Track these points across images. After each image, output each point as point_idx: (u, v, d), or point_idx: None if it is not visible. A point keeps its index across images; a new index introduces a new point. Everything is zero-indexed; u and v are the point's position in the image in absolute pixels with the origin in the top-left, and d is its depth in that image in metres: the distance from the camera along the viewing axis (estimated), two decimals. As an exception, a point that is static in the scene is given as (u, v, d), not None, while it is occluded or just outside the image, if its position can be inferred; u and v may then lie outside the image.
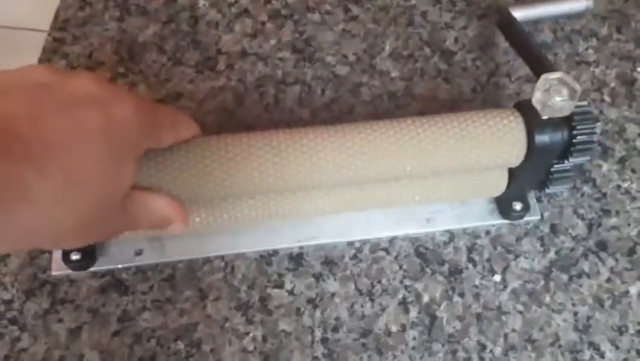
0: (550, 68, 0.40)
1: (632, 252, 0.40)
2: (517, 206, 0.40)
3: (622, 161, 0.44)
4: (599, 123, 0.35)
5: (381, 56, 0.49)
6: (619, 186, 0.43)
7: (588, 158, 0.36)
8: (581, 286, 0.39)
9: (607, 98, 0.47)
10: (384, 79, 0.48)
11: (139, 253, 0.38)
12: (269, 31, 0.51)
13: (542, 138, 0.35)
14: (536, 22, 0.51)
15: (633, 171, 0.43)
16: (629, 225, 0.41)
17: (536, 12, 0.49)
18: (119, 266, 0.38)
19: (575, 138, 0.35)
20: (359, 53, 0.49)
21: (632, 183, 0.43)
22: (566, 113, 0.34)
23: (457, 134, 0.35)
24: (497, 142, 0.35)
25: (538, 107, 0.34)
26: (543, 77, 0.34)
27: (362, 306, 0.38)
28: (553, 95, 0.33)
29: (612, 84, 0.48)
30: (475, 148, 0.35)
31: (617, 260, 0.40)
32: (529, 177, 0.39)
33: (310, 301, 0.38)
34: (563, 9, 0.50)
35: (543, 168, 0.38)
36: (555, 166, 0.37)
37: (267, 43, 0.50)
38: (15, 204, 0.23)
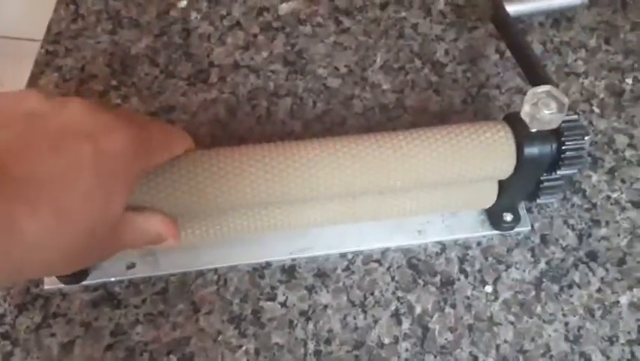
0: (537, 64, 0.41)
1: (622, 262, 0.40)
2: (508, 217, 0.40)
3: (611, 171, 0.44)
4: (588, 136, 0.36)
5: (372, 68, 0.50)
6: (609, 197, 0.43)
7: (577, 170, 0.37)
8: (571, 296, 0.39)
9: (596, 109, 0.48)
10: (375, 91, 0.48)
11: (131, 266, 0.38)
12: (261, 44, 0.51)
13: (531, 151, 0.35)
14: (531, 17, 0.52)
15: (623, 181, 0.44)
16: (618, 235, 0.41)
17: (531, 6, 0.50)
18: (112, 280, 0.38)
19: (564, 151, 0.35)
20: (350, 65, 0.50)
21: (621, 193, 0.43)
22: (554, 125, 0.35)
23: (448, 148, 0.35)
24: (487, 155, 0.36)
25: (527, 120, 0.35)
26: (531, 90, 0.34)
27: (355, 318, 0.38)
28: (542, 108, 0.34)
29: (601, 95, 0.48)
30: (465, 161, 0.35)
31: (607, 270, 0.40)
32: (519, 189, 0.39)
33: (303, 313, 0.38)
34: (559, 3, 0.51)
35: (533, 180, 0.38)
36: (544, 177, 0.38)
37: (259, 55, 0.50)
38: (4, 241, 0.23)
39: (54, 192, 0.25)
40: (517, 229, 0.41)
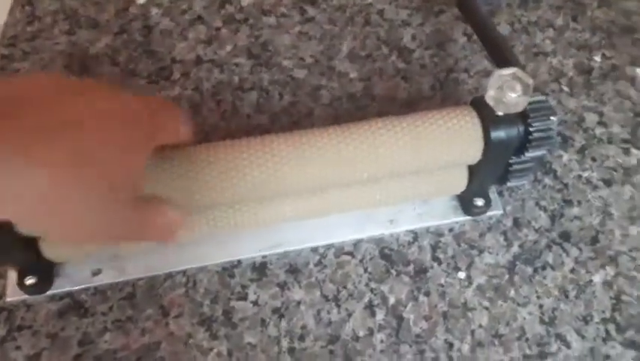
0: (503, 46, 0.41)
1: (594, 241, 0.41)
2: (479, 202, 0.40)
3: (582, 150, 0.45)
4: (555, 116, 0.36)
5: (339, 57, 0.49)
6: (580, 176, 0.43)
7: (545, 151, 0.37)
8: (545, 278, 0.39)
9: (565, 88, 0.48)
10: (342, 80, 0.48)
11: (97, 272, 0.38)
12: (224, 37, 0.51)
13: (498, 135, 0.35)
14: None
15: (593, 159, 0.44)
16: (591, 214, 0.42)
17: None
18: (78, 288, 0.38)
19: (531, 133, 0.35)
20: (316, 55, 0.49)
21: (592, 172, 0.44)
22: (520, 108, 0.35)
23: (414, 137, 0.35)
24: (454, 141, 0.35)
25: (492, 103, 0.35)
26: (496, 74, 0.34)
27: (328, 312, 0.38)
28: (507, 91, 0.34)
29: (570, 74, 0.49)
30: (433, 149, 0.35)
31: (580, 250, 0.40)
32: (489, 173, 0.39)
33: (275, 311, 0.38)
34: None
35: (502, 164, 0.38)
36: (514, 160, 0.38)
37: (223, 49, 0.50)
38: (27, 167, 0.23)
39: (76, 132, 0.25)
40: (489, 213, 0.41)
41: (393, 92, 0.47)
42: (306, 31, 0.51)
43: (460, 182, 0.39)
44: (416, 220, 0.41)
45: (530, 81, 0.34)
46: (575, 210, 0.42)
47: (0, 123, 0.24)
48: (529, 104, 0.35)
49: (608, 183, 0.43)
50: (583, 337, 0.37)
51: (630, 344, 0.37)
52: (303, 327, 0.37)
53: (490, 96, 0.35)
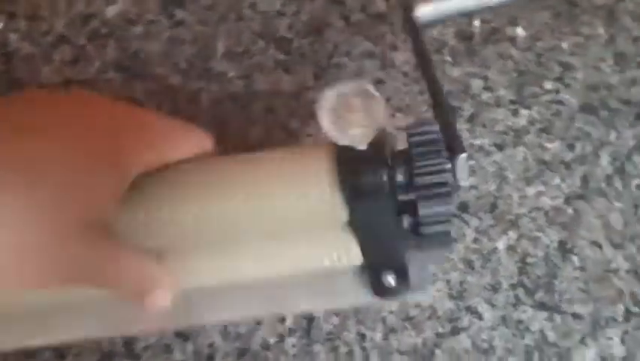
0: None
1: (493, 207, 0.43)
2: (390, 279, 0.32)
3: (471, 118, 0.47)
4: (464, 154, 0.27)
5: (215, 57, 0.50)
6: (472, 144, 0.45)
7: (450, 205, 0.28)
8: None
9: (448, 58, 0.50)
10: (221, 81, 0.48)
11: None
12: (91, 54, 0.50)
13: (356, 183, 0.27)
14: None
15: (483, 125, 0.46)
16: (486, 181, 0.44)
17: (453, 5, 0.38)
18: None
19: (414, 177, 0.27)
20: (190, 59, 0.49)
21: (484, 138, 0.46)
22: (364, 143, 0.26)
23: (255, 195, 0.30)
24: (302, 194, 0.29)
25: (331, 134, 0.26)
26: (326, 91, 0.26)
27: (235, 326, 0.38)
28: (344, 115, 0.25)
29: (451, 43, 0.51)
30: (277, 208, 0.30)
31: (480, 219, 0.42)
32: (378, 239, 0.31)
33: (179, 334, 0.38)
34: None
35: (388, 224, 0.30)
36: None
37: (91, 66, 0.49)
38: None
39: (28, 142, 0.23)
40: (412, 298, 0.38)
41: (276, 86, 0.48)
42: (177, 36, 0.51)
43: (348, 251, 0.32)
44: (313, 300, 0.35)
45: (377, 95, 0.25)
46: (471, 180, 0.44)
47: None
48: (411, 136, 0.27)
49: (500, 147, 0.45)
50: (493, 306, 0.39)
51: (540, 306, 0.39)
52: (211, 345, 0.38)
53: (326, 124, 0.26)
